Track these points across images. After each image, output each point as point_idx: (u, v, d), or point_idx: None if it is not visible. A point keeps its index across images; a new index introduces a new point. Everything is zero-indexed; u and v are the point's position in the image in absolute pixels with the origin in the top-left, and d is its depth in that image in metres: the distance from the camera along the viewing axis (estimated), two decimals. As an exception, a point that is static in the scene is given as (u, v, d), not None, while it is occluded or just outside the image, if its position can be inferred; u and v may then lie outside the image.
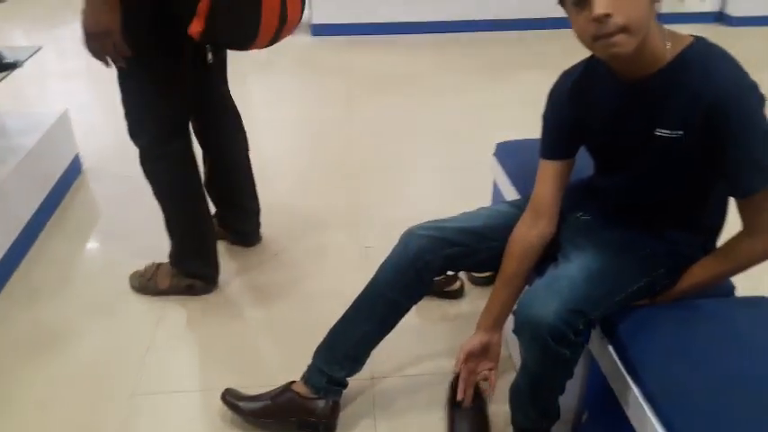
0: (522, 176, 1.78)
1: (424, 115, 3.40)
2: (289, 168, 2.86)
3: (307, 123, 3.36)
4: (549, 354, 1.16)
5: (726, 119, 1.09)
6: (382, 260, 1.48)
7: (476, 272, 2.00)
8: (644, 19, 1.08)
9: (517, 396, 1.36)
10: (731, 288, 1.39)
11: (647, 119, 1.19)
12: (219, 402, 1.54)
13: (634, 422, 1.14)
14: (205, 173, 2.02)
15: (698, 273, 1.26)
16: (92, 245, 2.35)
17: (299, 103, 3.64)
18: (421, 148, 3.06)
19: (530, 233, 1.37)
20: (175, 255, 1.97)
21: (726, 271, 1.26)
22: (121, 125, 1.74)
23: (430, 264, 1.41)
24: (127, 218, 2.43)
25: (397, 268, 1.44)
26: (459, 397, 1.48)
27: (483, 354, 1.45)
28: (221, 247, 2.15)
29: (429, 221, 1.48)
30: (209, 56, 1.78)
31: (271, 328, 1.90)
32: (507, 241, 1.39)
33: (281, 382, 1.54)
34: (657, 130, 1.18)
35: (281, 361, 1.74)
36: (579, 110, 1.30)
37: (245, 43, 1.62)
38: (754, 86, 1.11)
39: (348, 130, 3.24)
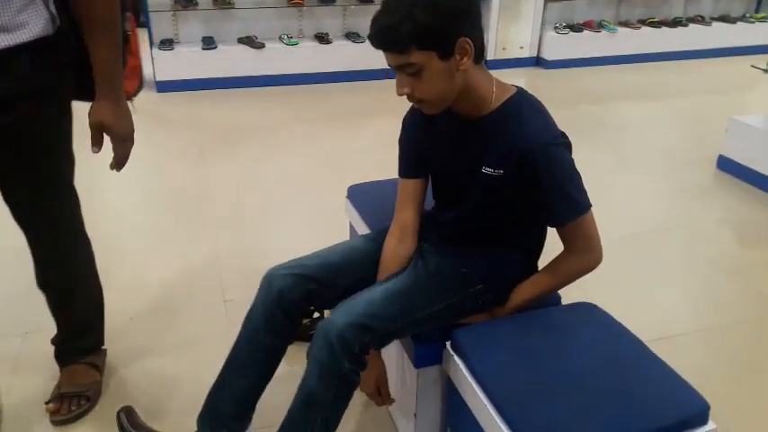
0: (374, 215, 1.89)
1: (279, 165, 3.45)
2: (143, 224, 2.77)
3: (160, 179, 3.28)
4: (333, 362, 1.27)
5: (533, 164, 1.29)
6: (244, 311, 1.49)
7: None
8: (441, 93, 1.29)
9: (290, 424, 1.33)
10: (558, 298, 1.59)
11: (475, 157, 1.37)
12: None
13: (486, 429, 1.25)
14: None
15: (528, 289, 1.45)
16: None
17: (150, 160, 3.53)
18: (278, 197, 3.09)
19: (399, 247, 1.49)
20: (100, 334, 1.86)
21: (552, 286, 1.46)
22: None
23: (295, 302, 1.45)
24: None
25: (265, 312, 1.45)
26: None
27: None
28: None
29: (288, 261, 1.52)
30: None
31: (135, 397, 1.81)
32: (378, 263, 1.49)
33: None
34: (484, 168, 1.36)
35: None
36: (426, 137, 1.47)
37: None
38: (556, 137, 1.32)
39: (204, 183, 3.21)
